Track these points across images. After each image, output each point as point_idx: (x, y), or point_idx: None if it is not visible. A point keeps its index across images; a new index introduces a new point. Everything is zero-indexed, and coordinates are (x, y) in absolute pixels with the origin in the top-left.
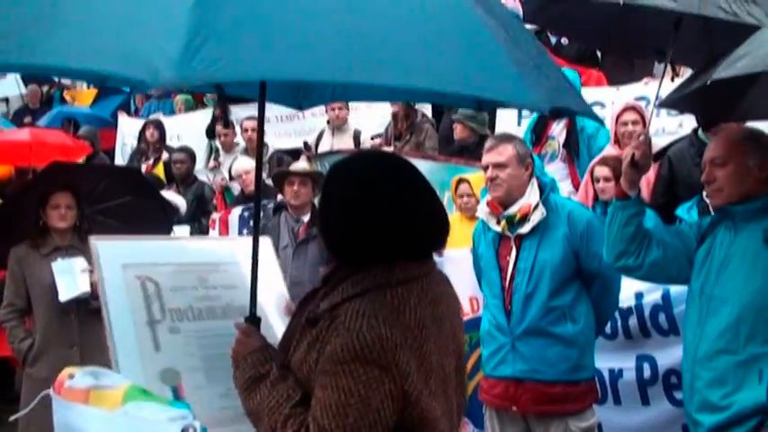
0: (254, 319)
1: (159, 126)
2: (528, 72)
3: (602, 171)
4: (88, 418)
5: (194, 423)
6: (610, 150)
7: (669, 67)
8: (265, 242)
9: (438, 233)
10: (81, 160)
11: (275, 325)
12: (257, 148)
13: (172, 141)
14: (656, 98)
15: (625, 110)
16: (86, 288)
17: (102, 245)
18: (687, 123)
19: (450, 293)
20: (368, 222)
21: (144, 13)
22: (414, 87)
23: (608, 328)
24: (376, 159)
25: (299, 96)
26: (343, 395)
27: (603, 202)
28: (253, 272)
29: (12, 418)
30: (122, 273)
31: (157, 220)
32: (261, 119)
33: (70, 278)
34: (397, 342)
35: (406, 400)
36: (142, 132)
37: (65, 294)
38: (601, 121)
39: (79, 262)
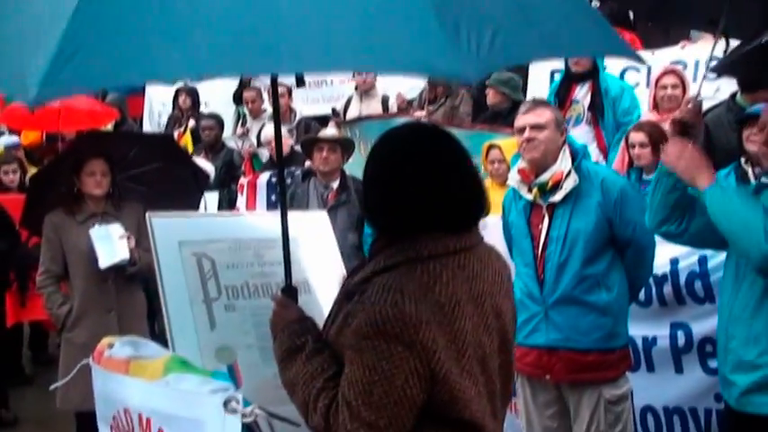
0: (290, 291)
1: (192, 92)
2: (472, 34)
3: (638, 137)
4: (129, 389)
5: (236, 395)
6: (648, 116)
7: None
8: (323, 217)
9: (473, 206)
10: (109, 126)
11: (328, 300)
12: (276, 143)
13: (200, 108)
14: (710, 59)
15: (665, 73)
16: (125, 255)
17: (158, 222)
18: (725, 88)
19: (496, 269)
20: (398, 194)
21: (32, 31)
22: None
23: (642, 296)
24: (411, 131)
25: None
26: (368, 371)
27: (639, 169)
28: (284, 242)
29: (52, 387)
30: (179, 250)
31: (188, 187)
32: (276, 112)
33: (109, 245)
34: (422, 319)
35: (434, 379)
36: (175, 99)
37: (105, 261)
38: (638, 58)
39: (116, 228)
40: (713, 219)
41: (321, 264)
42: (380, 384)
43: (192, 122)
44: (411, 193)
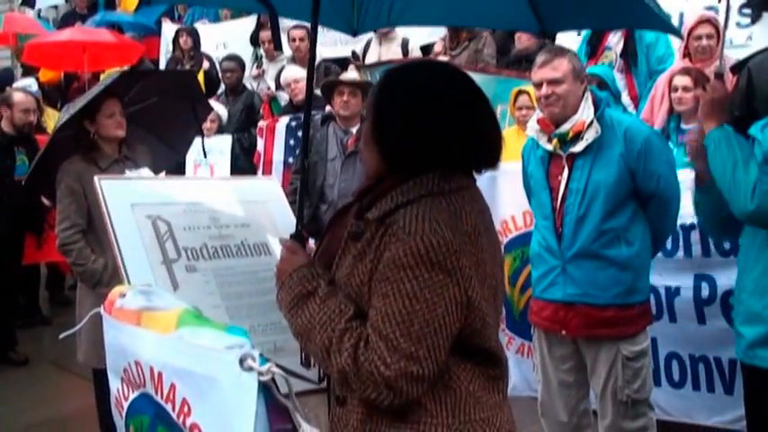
0: (299, 237)
1: (192, 33)
2: None
3: (683, 80)
4: (140, 341)
5: (253, 352)
6: (678, 65)
7: None
8: (273, 182)
9: (492, 144)
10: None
11: None
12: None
13: (218, 50)
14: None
15: (699, 23)
16: None
17: (108, 184)
18: (757, 35)
19: (487, 207)
20: (427, 129)
21: None
22: None
23: (668, 245)
24: (431, 67)
25: (354, 20)
26: (408, 301)
27: (678, 116)
28: (302, 184)
29: (62, 335)
30: (132, 212)
31: (184, 121)
32: (313, 42)
33: None
34: (459, 246)
35: (469, 307)
36: (176, 40)
37: None
38: (671, 30)
39: (147, 173)
40: (710, 162)
41: (278, 227)
42: (421, 314)
43: (206, 64)
44: (436, 130)
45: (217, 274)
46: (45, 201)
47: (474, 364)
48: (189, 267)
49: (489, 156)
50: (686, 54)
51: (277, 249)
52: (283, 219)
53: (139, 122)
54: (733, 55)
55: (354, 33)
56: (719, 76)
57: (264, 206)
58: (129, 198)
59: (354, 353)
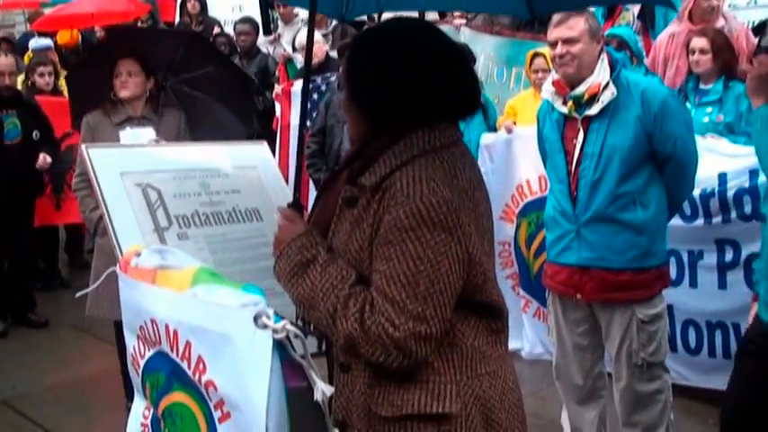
0: (297, 206)
1: None
2: None
3: (700, 42)
4: (155, 299)
5: (267, 310)
6: (677, 26)
7: None
8: (264, 147)
9: (474, 94)
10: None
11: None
12: (306, 53)
13: (234, 12)
14: None
15: None
16: None
17: (95, 152)
18: None
19: (476, 162)
20: (410, 83)
21: None
22: None
23: (687, 209)
24: (398, 25)
25: (343, 7)
26: (412, 263)
27: (696, 77)
28: (298, 155)
29: (78, 294)
30: (121, 180)
31: (240, 92)
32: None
33: None
34: (458, 204)
35: (470, 263)
36: (183, 5)
37: None
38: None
39: (147, 132)
40: (756, 140)
41: (269, 193)
42: (426, 274)
43: (217, 30)
44: (412, 85)
45: (209, 241)
46: (38, 164)
47: (477, 319)
48: (181, 235)
49: (469, 102)
50: (689, 16)
51: (268, 216)
52: (274, 184)
53: (202, 89)
54: (757, 15)
55: (342, 18)
56: None
57: (255, 171)
58: (117, 166)
59: (361, 317)
